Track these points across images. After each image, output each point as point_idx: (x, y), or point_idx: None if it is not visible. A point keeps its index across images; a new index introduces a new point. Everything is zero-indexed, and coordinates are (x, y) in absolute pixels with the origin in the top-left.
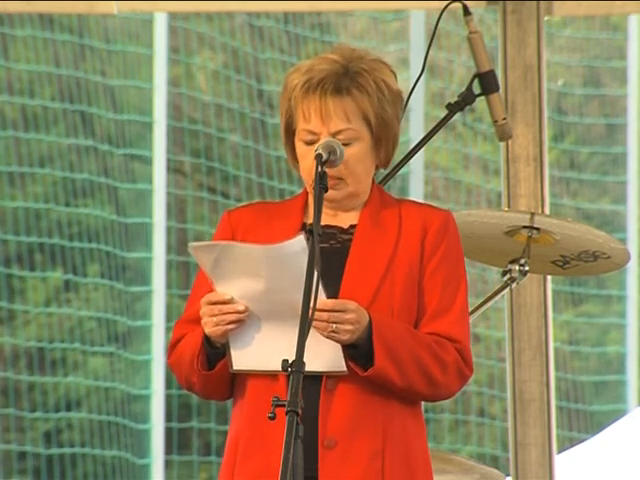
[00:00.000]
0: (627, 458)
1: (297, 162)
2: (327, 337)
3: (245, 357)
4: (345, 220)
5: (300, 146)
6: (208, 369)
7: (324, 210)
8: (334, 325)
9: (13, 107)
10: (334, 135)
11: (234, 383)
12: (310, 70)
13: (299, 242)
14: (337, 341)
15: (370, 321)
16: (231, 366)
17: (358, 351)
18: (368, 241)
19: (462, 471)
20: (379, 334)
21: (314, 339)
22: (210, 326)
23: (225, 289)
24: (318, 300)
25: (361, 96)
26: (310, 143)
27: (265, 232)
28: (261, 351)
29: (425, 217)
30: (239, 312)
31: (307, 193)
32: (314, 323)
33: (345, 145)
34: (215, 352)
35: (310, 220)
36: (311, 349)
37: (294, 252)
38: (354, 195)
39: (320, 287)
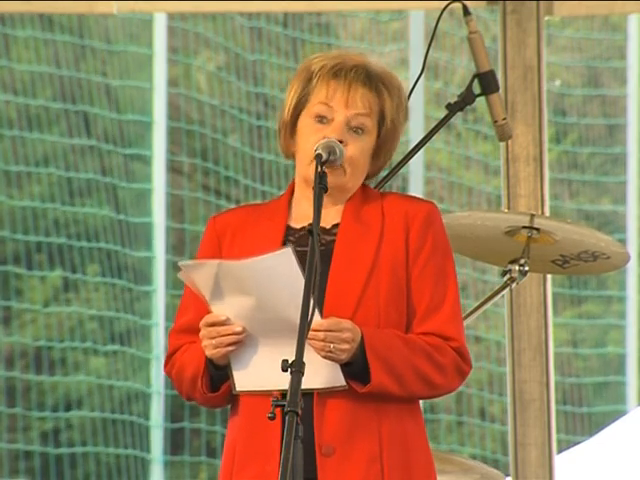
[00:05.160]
0: (626, 458)
1: (289, 149)
2: (324, 357)
3: (247, 378)
4: (328, 218)
5: (308, 123)
6: (212, 390)
7: (308, 206)
8: (332, 345)
9: (14, 107)
10: (351, 119)
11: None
12: (340, 57)
13: (286, 254)
14: (334, 360)
15: (362, 337)
16: (234, 388)
17: (353, 368)
18: (351, 242)
19: (462, 471)
20: (372, 349)
21: (311, 357)
22: (210, 349)
23: (220, 308)
24: (314, 319)
25: (386, 95)
26: (322, 121)
27: (251, 234)
28: (262, 371)
29: (407, 211)
30: (237, 333)
31: (291, 192)
32: (311, 342)
33: (355, 133)
34: (219, 374)
35: (293, 220)
36: (309, 367)
37: (280, 264)
38: (344, 188)
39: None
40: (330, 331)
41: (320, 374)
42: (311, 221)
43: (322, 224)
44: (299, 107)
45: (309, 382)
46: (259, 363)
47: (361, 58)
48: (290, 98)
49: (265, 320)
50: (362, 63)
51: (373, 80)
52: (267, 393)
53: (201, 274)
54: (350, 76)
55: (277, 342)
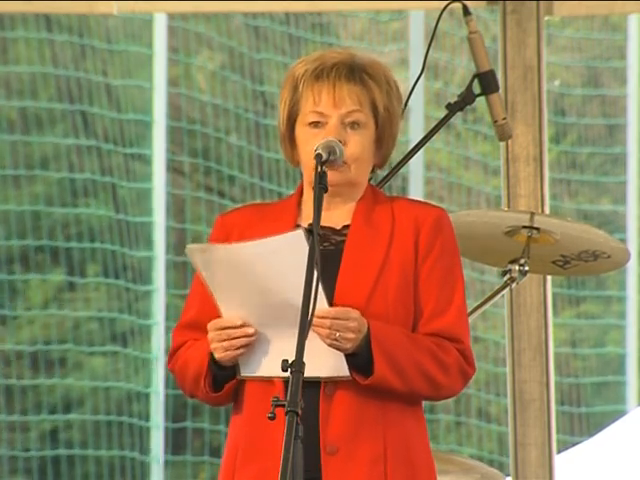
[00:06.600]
0: (626, 458)
1: (293, 158)
2: (329, 345)
3: (252, 364)
4: (338, 219)
5: (304, 131)
6: (215, 389)
7: None
8: (337, 333)
9: (14, 108)
10: (344, 117)
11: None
12: (320, 58)
13: (297, 236)
14: (339, 349)
15: (368, 329)
16: (239, 373)
17: (357, 359)
18: (361, 243)
19: (462, 471)
20: (378, 342)
21: (316, 345)
22: (220, 352)
23: (225, 295)
24: (321, 307)
25: (372, 85)
26: (316, 125)
27: (259, 234)
28: (267, 357)
29: (417, 215)
30: (248, 335)
31: (301, 193)
32: (318, 330)
33: (352, 129)
34: (223, 374)
35: (303, 220)
36: (313, 355)
37: (291, 246)
38: (352, 183)
39: (320, 290)
40: (337, 319)
41: (325, 363)
42: (320, 221)
43: (332, 224)
44: (292, 117)
45: (313, 370)
46: (264, 349)
47: (343, 54)
48: (282, 109)
49: (271, 306)
50: (343, 59)
51: (356, 73)
52: (271, 380)
53: (207, 258)
54: (332, 75)
55: (282, 328)
